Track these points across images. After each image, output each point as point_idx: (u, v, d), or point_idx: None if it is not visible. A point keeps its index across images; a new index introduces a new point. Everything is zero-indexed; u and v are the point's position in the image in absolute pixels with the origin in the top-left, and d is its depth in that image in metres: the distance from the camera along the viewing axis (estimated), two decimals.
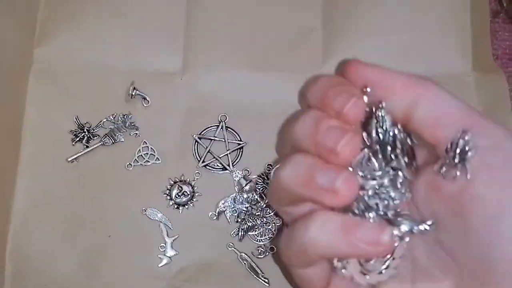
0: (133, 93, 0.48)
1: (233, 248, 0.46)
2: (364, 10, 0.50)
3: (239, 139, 0.49)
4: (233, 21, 0.51)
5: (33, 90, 0.48)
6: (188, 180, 0.48)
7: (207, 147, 0.48)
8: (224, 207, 0.47)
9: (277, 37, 0.50)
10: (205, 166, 0.48)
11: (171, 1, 0.50)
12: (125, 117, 0.48)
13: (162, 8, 0.50)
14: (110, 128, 0.48)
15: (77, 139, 0.47)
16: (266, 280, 0.46)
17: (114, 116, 0.48)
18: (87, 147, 0.47)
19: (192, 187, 0.47)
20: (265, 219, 0.47)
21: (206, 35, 0.50)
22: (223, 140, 0.49)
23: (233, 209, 0.47)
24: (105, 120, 0.48)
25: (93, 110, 0.48)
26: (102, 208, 0.46)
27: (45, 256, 0.45)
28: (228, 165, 0.48)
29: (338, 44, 0.50)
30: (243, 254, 0.46)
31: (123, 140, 0.48)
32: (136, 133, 0.48)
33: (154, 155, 0.48)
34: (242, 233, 0.46)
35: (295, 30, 0.50)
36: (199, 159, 0.48)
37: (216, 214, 0.47)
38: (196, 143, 0.48)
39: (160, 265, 0.46)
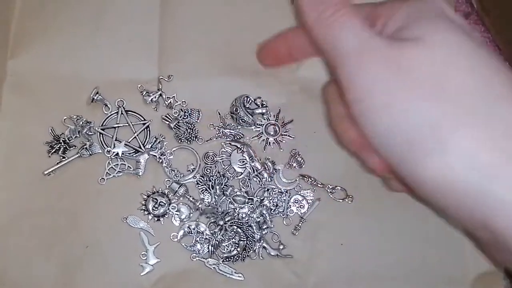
0: (95, 98, 0.48)
1: (197, 259, 0.46)
2: None
3: (142, 119, 0.49)
4: (207, 29, 0.51)
5: (7, 102, 0.48)
6: (160, 190, 0.47)
7: (113, 136, 0.48)
8: (187, 231, 0.47)
9: (250, 44, 0.50)
10: (116, 155, 0.48)
11: (145, 11, 0.51)
12: (86, 123, 0.48)
13: (136, 18, 0.50)
14: (68, 127, 0.48)
15: (53, 150, 0.47)
16: (240, 275, 0.46)
17: (78, 118, 0.48)
18: (64, 158, 0.47)
19: (167, 196, 0.47)
20: (232, 233, 0.47)
21: (180, 43, 0.50)
22: (127, 124, 0.49)
23: (195, 230, 0.47)
24: (67, 117, 0.48)
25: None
26: (79, 218, 0.46)
27: (22, 269, 0.45)
28: (139, 147, 0.48)
29: None
30: (209, 260, 0.46)
31: (100, 151, 0.48)
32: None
33: (125, 165, 0.48)
34: (212, 249, 0.46)
35: (268, 36, 0.51)
36: (107, 149, 0.48)
37: (179, 237, 0.47)
38: (101, 135, 0.48)
39: (142, 274, 0.45)
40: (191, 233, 0.47)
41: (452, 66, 0.27)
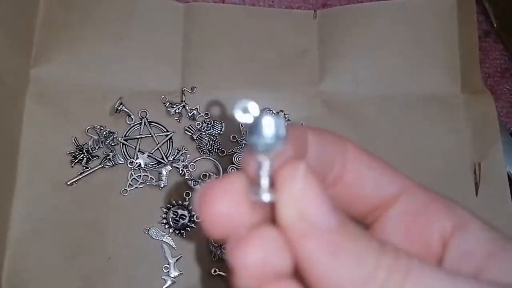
0: (119, 108, 0.47)
1: (218, 273, 0.46)
2: (358, 32, 0.52)
3: (165, 130, 0.49)
4: (230, 41, 0.51)
5: (29, 111, 0.47)
6: (181, 202, 0.47)
7: (135, 146, 0.48)
8: None
9: (274, 57, 0.51)
10: (138, 166, 0.47)
11: (169, 22, 0.50)
12: (109, 133, 0.47)
13: (160, 29, 0.50)
14: (91, 137, 0.47)
15: (76, 160, 0.47)
16: None
17: (101, 128, 0.48)
18: (86, 168, 0.47)
19: (187, 209, 0.47)
20: None
21: (204, 55, 0.50)
22: (150, 135, 0.48)
23: None
24: (90, 127, 0.48)
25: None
26: (101, 230, 0.46)
27: (43, 281, 0.44)
28: (162, 159, 0.48)
29: (334, 64, 0.51)
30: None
31: (122, 162, 0.47)
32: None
33: (148, 176, 0.47)
34: None
35: (292, 50, 0.51)
36: (130, 160, 0.47)
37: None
38: (124, 145, 0.48)
39: (164, 287, 0.45)
40: None
41: None
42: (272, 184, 0.17)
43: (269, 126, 0.17)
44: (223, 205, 0.17)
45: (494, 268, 0.20)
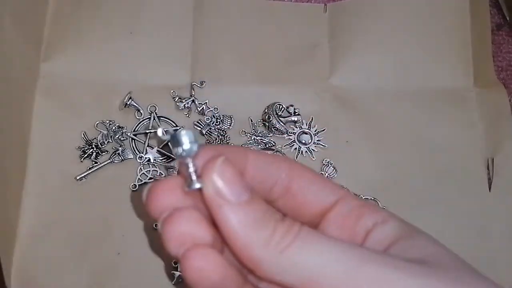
0: (128, 102, 0.47)
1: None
2: (369, 26, 0.51)
3: (174, 125, 0.48)
4: (240, 35, 0.51)
5: (39, 106, 0.47)
6: None
7: (145, 141, 0.48)
8: None
9: (284, 51, 0.51)
10: (148, 161, 0.47)
11: (178, 16, 0.50)
12: (119, 128, 0.47)
13: (170, 24, 0.50)
14: (100, 132, 0.47)
15: (85, 155, 0.46)
16: None
17: (110, 123, 0.47)
18: (96, 163, 0.46)
19: None
20: None
21: (213, 49, 0.50)
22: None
23: None
24: (99, 122, 0.47)
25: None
26: (111, 225, 0.45)
27: (52, 276, 0.44)
28: (171, 153, 0.48)
29: (344, 58, 0.51)
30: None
31: (131, 156, 0.47)
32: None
33: (157, 171, 0.47)
34: None
35: (302, 44, 0.51)
36: (139, 155, 0.47)
37: None
38: (133, 140, 0.48)
39: (174, 282, 0.45)
40: None
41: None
42: (199, 177, 0.23)
43: (184, 137, 0.23)
44: (163, 197, 0.24)
45: (396, 248, 0.24)
